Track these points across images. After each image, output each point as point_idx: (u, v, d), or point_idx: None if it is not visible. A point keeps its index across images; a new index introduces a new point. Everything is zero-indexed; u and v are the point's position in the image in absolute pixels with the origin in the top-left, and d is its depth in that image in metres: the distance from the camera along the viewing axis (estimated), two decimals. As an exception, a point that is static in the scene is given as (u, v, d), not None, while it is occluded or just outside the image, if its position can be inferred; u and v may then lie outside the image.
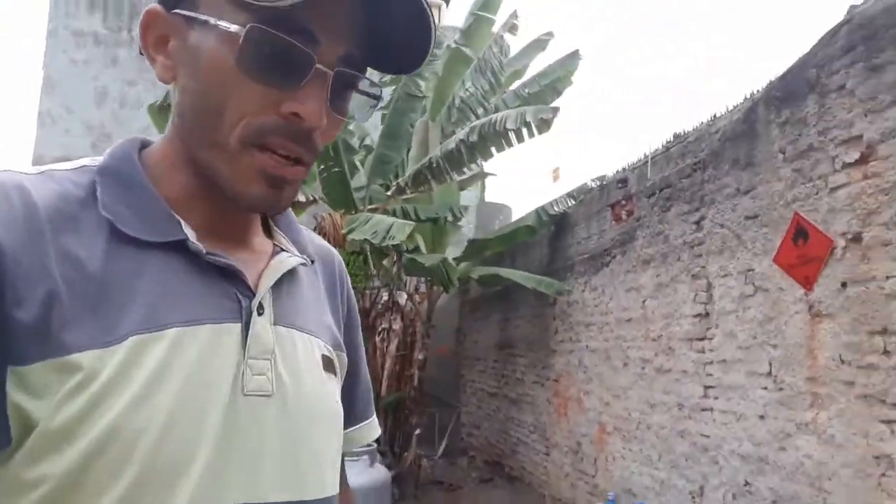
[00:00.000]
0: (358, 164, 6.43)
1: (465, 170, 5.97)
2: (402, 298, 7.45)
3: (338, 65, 0.59)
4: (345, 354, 0.77)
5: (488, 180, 8.92)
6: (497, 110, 6.31)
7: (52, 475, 0.51)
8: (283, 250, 0.71)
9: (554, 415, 6.37)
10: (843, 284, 3.00)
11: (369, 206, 6.20)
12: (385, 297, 7.40)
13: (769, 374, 3.46)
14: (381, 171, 6.24)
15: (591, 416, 5.58)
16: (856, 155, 2.96)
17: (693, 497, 4.10)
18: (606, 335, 5.37)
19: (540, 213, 6.58)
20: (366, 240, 5.31)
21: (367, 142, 7.38)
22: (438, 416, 9.59)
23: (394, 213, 6.01)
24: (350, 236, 5.19)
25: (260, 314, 0.63)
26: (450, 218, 6.41)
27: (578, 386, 5.83)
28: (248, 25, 0.55)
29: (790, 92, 3.43)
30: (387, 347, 7.34)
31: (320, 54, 0.58)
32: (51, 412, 0.51)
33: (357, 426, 0.83)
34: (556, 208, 6.56)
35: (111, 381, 0.52)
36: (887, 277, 2.77)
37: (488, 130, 5.39)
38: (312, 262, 0.74)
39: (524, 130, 5.49)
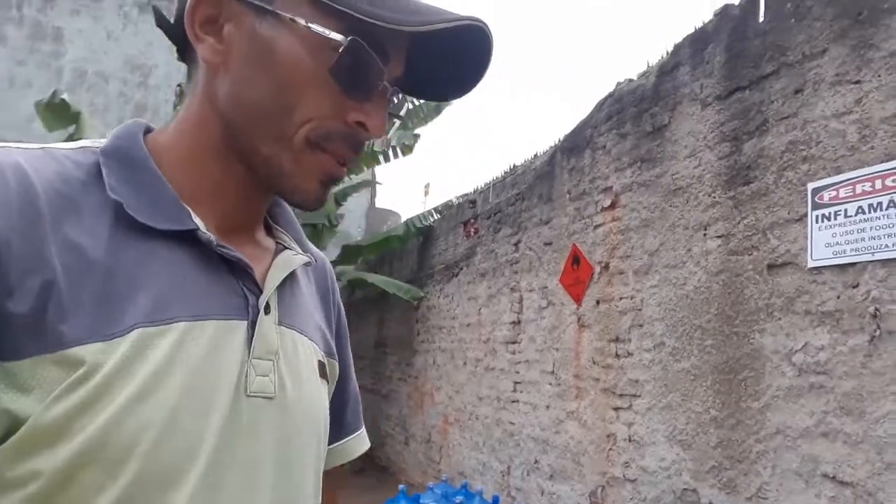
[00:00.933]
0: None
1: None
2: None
3: (393, 83, 0.63)
4: (336, 363, 0.76)
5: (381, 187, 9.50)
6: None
7: (43, 473, 0.48)
8: (286, 248, 0.71)
9: (413, 408, 7.06)
10: (597, 302, 3.83)
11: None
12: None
13: (552, 372, 4.27)
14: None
15: (439, 409, 6.31)
16: (608, 202, 3.79)
17: (503, 475, 4.89)
18: (453, 337, 6.11)
19: (409, 224, 7.28)
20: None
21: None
22: (322, 411, 10.21)
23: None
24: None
25: (267, 313, 0.62)
26: (326, 224, 6.98)
27: (432, 382, 6.55)
28: (351, 38, 0.57)
29: (575, 145, 4.25)
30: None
31: (386, 72, 0.61)
32: (45, 407, 0.48)
33: (346, 439, 0.81)
34: (423, 221, 7.28)
35: (113, 375, 0.50)
36: (620, 298, 3.61)
37: (356, 152, 6.02)
38: (315, 261, 0.75)
39: (390, 153, 6.15)
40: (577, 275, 4.06)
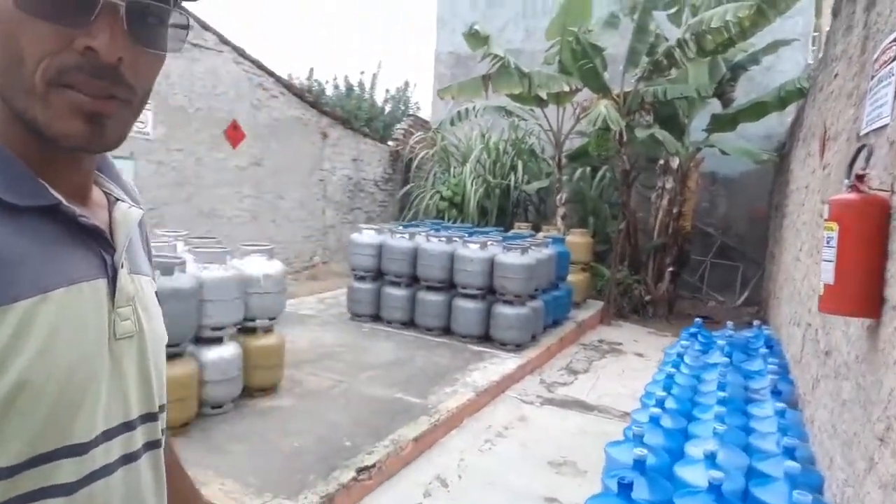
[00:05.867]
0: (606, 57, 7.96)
1: (684, 62, 6.99)
2: (675, 163, 8.78)
3: None
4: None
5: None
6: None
7: None
8: (117, 199, 0.78)
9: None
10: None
11: (625, 91, 7.84)
12: (662, 161, 8.87)
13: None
14: (634, 60, 7.71)
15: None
16: None
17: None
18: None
19: (781, 88, 7.17)
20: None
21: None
22: (743, 270, 10.78)
23: (642, 97, 7.59)
24: (584, 120, 7.19)
25: (121, 267, 0.72)
26: (696, 95, 7.55)
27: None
28: None
29: None
30: (659, 202, 8.96)
31: None
32: None
33: None
34: (801, 83, 7.02)
35: (11, 340, 0.59)
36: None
37: (697, 29, 6.46)
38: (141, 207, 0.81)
39: (731, 25, 6.30)
40: None
